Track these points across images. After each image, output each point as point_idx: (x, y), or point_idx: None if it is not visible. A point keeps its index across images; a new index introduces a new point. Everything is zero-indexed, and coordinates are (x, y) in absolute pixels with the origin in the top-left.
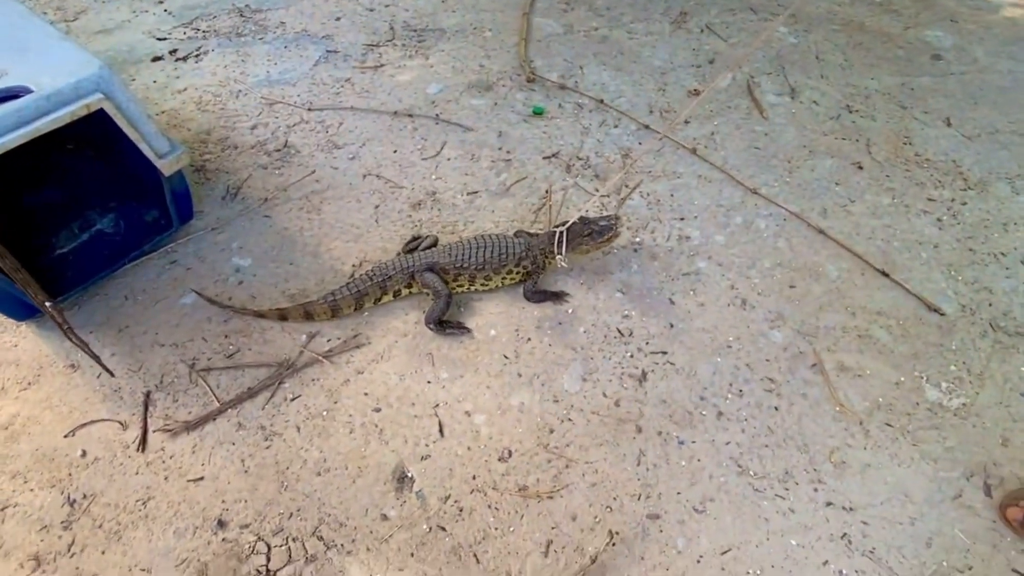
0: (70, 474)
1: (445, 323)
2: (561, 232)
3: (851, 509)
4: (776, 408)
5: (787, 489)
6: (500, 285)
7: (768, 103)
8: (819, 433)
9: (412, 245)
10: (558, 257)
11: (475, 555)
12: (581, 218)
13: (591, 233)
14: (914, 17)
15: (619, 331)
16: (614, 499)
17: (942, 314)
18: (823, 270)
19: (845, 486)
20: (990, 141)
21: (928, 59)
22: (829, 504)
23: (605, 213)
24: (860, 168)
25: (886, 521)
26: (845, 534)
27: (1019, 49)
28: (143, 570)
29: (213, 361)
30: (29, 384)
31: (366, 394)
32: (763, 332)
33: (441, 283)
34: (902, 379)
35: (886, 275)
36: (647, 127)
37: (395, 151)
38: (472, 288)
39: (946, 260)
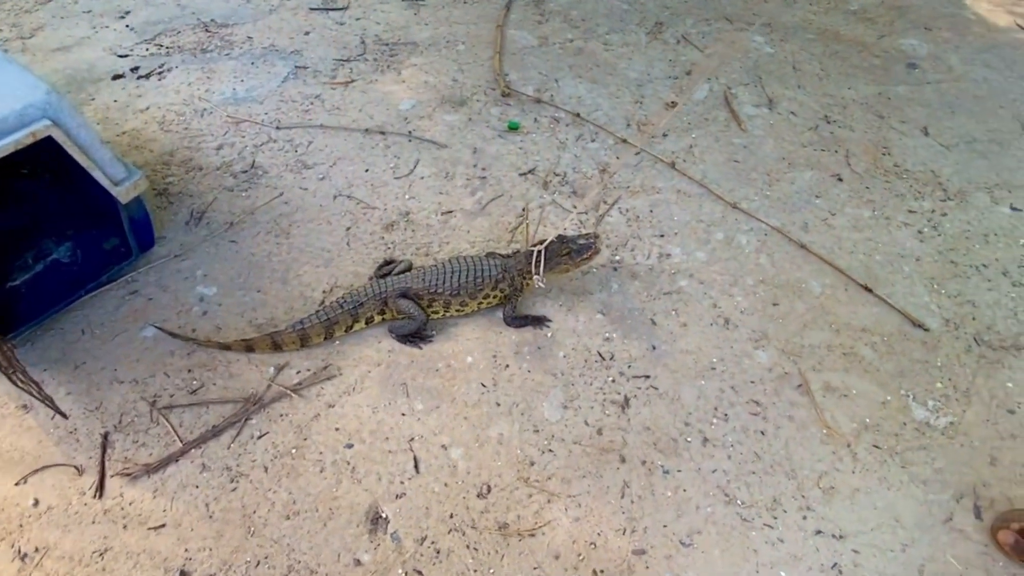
0: (21, 525)
1: (407, 337)
2: (539, 251)
3: (841, 537)
4: (763, 432)
5: (775, 518)
6: (477, 309)
7: (746, 114)
8: (807, 458)
9: (385, 270)
10: (536, 277)
11: None
12: (559, 236)
13: (570, 252)
14: (888, 25)
15: (600, 355)
16: (598, 535)
17: (926, 329)
18: (806, 286)
19: (834, 512)
20: (968, 150)
21: (904, 68)
22: (819, 532)
23: (584, 231)
24: (840, 180)
25: (877, 549)
26: (836, 564)
27: (993, 56)
28: None
29: (176, 398)
30: None
31: (337, 429)
32: (747, 352)
33: (417, 308)
34: (888, 398)
35: (869, 290)
36: (625, 141)
37: (367, 170)
38: (447, 314)
39: (928, 273)
